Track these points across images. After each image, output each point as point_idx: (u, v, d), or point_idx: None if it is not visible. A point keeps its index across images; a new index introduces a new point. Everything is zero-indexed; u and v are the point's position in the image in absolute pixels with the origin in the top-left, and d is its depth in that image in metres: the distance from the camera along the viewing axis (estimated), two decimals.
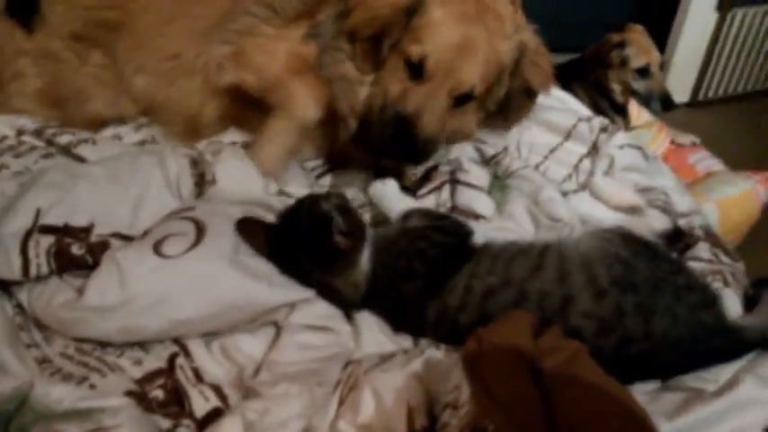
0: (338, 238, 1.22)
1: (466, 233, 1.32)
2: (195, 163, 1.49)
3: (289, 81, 1.56)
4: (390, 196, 1.47)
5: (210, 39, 1.63)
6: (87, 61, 1.72)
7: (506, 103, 1.57)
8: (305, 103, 1.55)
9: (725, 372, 1.13)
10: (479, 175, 1.53)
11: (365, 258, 1.26)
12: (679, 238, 1.47)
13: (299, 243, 1.26)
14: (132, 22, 1.68)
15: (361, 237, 1.27)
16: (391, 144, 1.47)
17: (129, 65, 1.70)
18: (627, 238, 1.27)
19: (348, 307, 1.28)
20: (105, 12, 1.68)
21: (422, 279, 1.24)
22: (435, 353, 1.15)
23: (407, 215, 1.37)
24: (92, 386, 1.07)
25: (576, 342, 1.05)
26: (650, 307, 1.13)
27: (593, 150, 1.62)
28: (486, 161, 1.62)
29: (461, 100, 1.49)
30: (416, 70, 1.45)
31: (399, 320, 1.27)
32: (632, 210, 1.53)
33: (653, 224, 1.47)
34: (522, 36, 1.53)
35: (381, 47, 1.48)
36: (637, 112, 3.48)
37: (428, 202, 1.48)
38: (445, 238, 1.29)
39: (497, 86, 1.54)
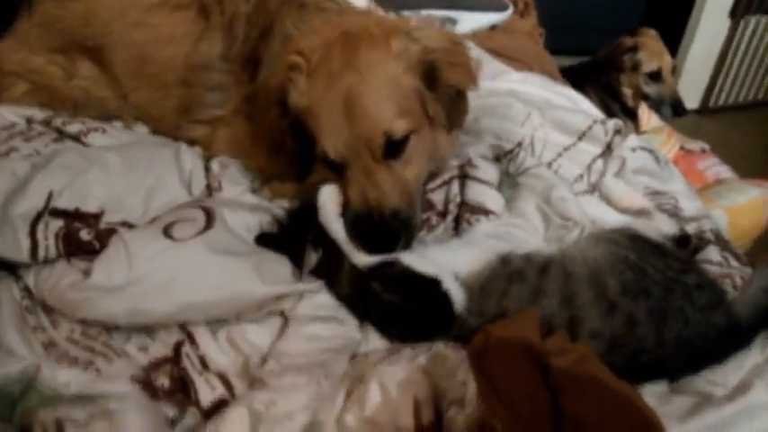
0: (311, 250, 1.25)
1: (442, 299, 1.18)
2: (207, 169, 1.50)
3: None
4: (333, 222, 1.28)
5: (181, 117, 1.65)
6: (76, 74, 1.71)
7: (447, 112, 1.38)
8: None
9: (733, 375, 1.12)
10: (489, 171, 1.52)
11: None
12: (686, 244, 1.46)
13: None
14: (107, 55, 1.68)
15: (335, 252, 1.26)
16: (372, 244, 1.25)
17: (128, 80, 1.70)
18: (634, 238, 1.25)
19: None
20: (83, 39, 1.67)
21: (396, 337, 1.22)
22: (443, 348, 1.14)
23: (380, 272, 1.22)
24: (98, 371, 1.07)
25: (583, 345, 1.04)
26: (662, 311, 1.11)
27: (607, 151, 1.61)
28: (499, 158, 1.61)
29: (392, 151, 1.29)
30: (334, 165, 1.32)
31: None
32: (640, 213, 1.52)
33: (661, 227, 1.45)
34: (421, 42, 1.31)
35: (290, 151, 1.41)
36: (647, 116, 3.49)
37: (438, 197, 1.47)
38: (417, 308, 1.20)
39: (429, 103, 1.33)
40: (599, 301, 1.12)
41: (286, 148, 1.41)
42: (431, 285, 1.18)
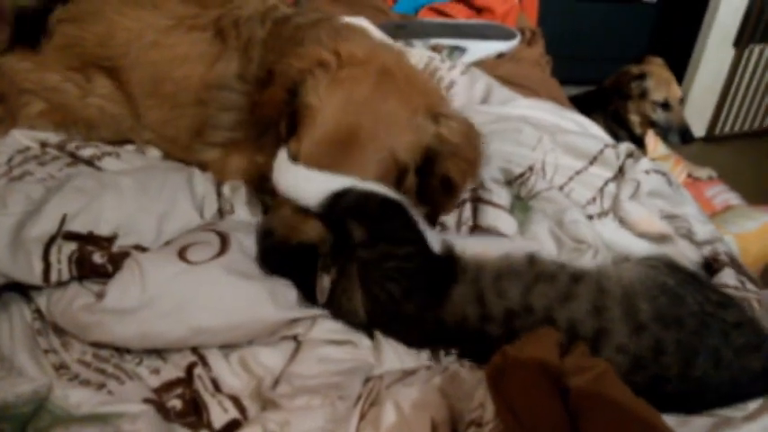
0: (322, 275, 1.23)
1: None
2: (219, 193, 1.50)
3: None
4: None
5: (194, 139, 1.64)
6: (92, 91, 1.71)
7: (426, 196, 1.38)
8: None
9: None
10: (501, 195, 1.51)
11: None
12: (710, 270, 1.44)
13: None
14: (123, 76, 1.68)
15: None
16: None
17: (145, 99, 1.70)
18: (672, 267, 1.21)
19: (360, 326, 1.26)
20: (100, 60, 1.68)
21: (419, 294, 1.19)
22: (459, 369, 1.13)
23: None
24: (110, 393, 1.06)
25: (603, 361, 1.02)
26: (693, 346, 1.07)
27: (620, 174, 1.60)
28: (511, 181, 1.61)
29: None
30: None
31: (414, 336, 1.24)
32: (660, 238, 1.49)
33: (687, 254, 1.43)
34: (441, 132, 1.31)
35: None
36: (653, 144, 3.49)
37: (450, 220, 1.46)
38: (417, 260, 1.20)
39: (407, 180, 1.33)
40: (628, 319, 1.09)
41: (275, 130, 1.39)
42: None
